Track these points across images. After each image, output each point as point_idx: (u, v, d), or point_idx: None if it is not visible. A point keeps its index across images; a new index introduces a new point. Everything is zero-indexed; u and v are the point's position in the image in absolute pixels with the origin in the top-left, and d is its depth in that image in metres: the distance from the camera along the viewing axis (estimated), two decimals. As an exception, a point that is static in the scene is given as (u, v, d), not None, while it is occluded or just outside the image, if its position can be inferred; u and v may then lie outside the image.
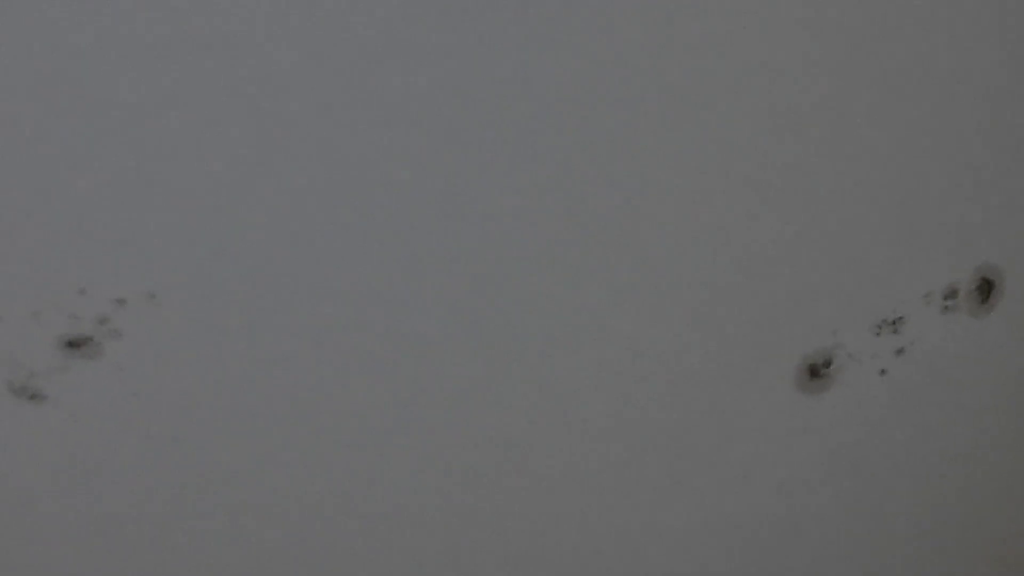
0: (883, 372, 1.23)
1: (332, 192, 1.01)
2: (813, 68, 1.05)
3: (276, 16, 0.91)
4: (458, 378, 1.09)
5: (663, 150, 1.04)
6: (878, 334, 1.21)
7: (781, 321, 1.18)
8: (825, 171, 1.11)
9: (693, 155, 1.05)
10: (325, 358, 1.07)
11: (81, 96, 0.93)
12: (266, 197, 1.00)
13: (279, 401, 1.08)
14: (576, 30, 0.98)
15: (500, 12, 0.96)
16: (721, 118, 1.04)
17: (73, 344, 1.01)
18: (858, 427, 1.26)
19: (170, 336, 1.03)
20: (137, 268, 1.01)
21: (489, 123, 0.98)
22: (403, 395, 1.10)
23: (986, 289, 1.24)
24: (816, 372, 1.22)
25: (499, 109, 0.98)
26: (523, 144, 0.99)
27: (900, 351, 1.23)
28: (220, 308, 1.03)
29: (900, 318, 1.22)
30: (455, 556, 1.20)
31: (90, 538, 1.09)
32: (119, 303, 1.01)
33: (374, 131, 0.96)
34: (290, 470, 1.10)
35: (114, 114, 0.94)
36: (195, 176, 0.98)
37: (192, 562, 1.14)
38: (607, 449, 1.18)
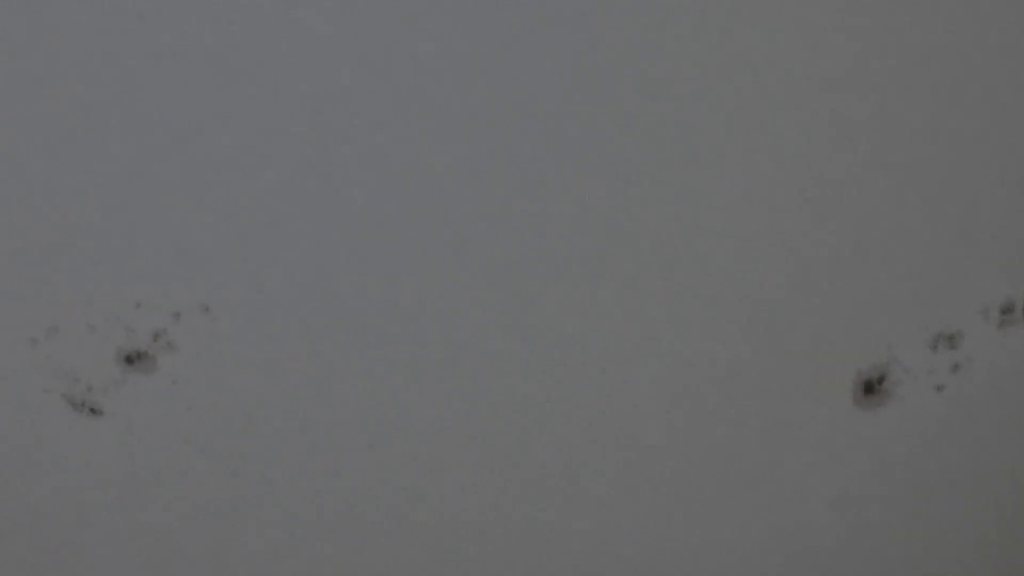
0: (939, 388, 1.22)
1: (387, 206, 1.01)
2: (867, 81, 1.05)
3: (332, 34, 0.93)
4: (514, 393, 1.09)
5: (718, 165, 1.04)
6: (934, 349, 1.20)
7: (836, 336, 1.17)
8: (880, 184, 1.11)
9: (748, 169, 1.05)
10: (380, 372, 1.08)
11: (136, 114, 0.95)
12: (319, 210, 1.01)
13: (332, 414, 1.09)
14: (633, 53, 0.98)
15: (562, 32, 0.97)
16: (775, 131, 1.04)
17: (130, 358, 1.02)
18: (914, 443, 1.25)
19: (224, 349, 1.04)
20: (191, 281, 1.02)
21: (547, 140, 0.99)
22: (459, 410, 1.10)
23: (1044, 303, 1.23)
24: (871, 388, 1.21)
25: (556, 128, 0.98)
26: (579, 161, 1.00)
27: (957, 367, 1.22)
28: (273, 320, 1.04)
29: (957, 333, 1.20)
30: (511, 570, 1.20)
31: (145, 550, 1.11)
32: (174, 316, 1.02)
33: (433, 147, 0.97)
34: (344, 484, 1.11)
35: (169, 131, 0.96)
36: (247, 190, 0.99)
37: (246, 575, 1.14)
38: (662, 464, 1.18)
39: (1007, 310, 1.22)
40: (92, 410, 1.02)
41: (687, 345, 1.12)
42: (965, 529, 1.36)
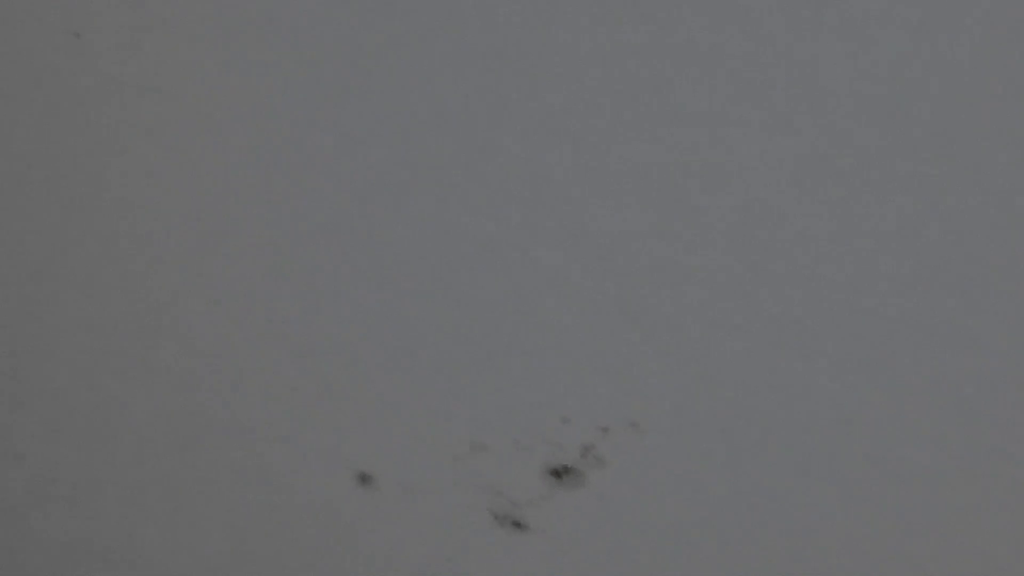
0: None
1: (816, 327, 1.07)
2: None
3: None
4: (942, 509, 1.04)
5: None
6: None
7: None
8: None
9: None
10: (805, 488, 1.04)
11: (570, 241, 1.07)
12: (753, 327, 1.06)
13: (762, 531, 1.02)
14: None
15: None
16: None
17: (557, 473, 1.02)
18: None
19: (653, 465, 1.03)
20: (620, 397, 1.05)
21: None
22: (887, 528, 1.03)
23: None
24: None
25: None
26: None
27: None
28: (703, 436, 1.04)
29: None
30: None
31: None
32: (602, 431, 1.04)
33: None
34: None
35: (591, 246, 1.07)
36: (676, 305, 1.07)
37: None
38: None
39: None
40: (516, 524, 0.99)
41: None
42: None
